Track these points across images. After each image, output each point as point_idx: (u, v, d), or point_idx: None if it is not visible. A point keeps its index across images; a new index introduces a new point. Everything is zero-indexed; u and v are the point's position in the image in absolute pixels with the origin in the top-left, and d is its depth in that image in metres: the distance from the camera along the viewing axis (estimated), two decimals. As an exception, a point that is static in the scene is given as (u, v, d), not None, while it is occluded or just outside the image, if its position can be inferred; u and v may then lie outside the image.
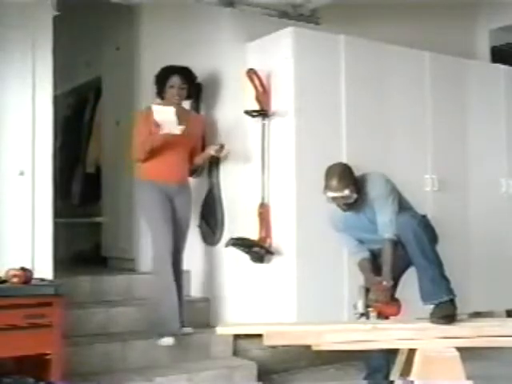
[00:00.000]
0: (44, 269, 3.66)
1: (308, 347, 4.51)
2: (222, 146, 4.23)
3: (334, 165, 3.59)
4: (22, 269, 3.38)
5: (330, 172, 3.52)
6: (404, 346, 2.97)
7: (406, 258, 3.44)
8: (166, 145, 4.02)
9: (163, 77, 4.20)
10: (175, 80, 4.18)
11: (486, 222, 5.06)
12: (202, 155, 4.30)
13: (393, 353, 3.39)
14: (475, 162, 5.12)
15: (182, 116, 4.04)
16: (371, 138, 4.54)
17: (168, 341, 3.88)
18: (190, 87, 4.27)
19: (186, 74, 4.23)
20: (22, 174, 3.73)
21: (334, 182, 3.45)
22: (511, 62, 5.52)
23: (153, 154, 4.04)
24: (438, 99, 4.92)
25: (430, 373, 2.73)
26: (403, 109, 4.75)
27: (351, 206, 3.52)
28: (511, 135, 5.31)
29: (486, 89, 5.21)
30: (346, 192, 3.45)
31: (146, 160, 4.06)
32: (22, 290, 3.29)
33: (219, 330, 3.25)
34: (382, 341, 2.85)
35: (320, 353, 4.54)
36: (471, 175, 5.09)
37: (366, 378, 3.71)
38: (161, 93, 4.22)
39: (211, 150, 4.24)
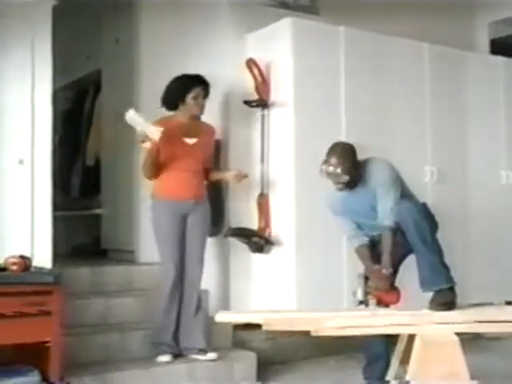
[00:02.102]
0: (43, 258, 3.67)
1: (308, 338, 4.53)
2: (246, 176, 4.13)
3: (340, 143, 3.61)
4: (21, 257, 3.37)
5: (333, 148, 3.52)
6: (403, 331, 2.97)
7: (405, 246, 3.44)
8: (179, 159, 3.87)
9: (184, 86, 3.92)
10: (199, 91, 3.93)
11: (486, 214, 5.06)
12: (218, 175, 4.22)
13: (392, 343, 3.40)
14: (475, 153, 5.13)
15: (195, 128, 3.97)
16: (370, 128, 4.55)
17: (165, 358, 3.86)
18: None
19: (207, 85, 3.99)
20: (21, 162, 3.73)
21: (333, 159, 3.46)
22: (511, 54, 5.51)
23: (164, 169, 3.89)
24: (437, 91, 4.94)
25: (429, 358, 2.72)
26: (402, 100, 4.77)
27: (349, 186, 3.50)
28: (510, 127, 5.32)
29: (485, 81, 5.23)
30: (338, 170, 3.43)
31: (154, 177, 3.92)
32: (21, 278, 3.28)
33: (218, 318, 3.24)
34: (382, 326, 2.84)
35: (320, 344, 4.59)
36: (471, 167, 5.11)
37: (365, 368, 3.70)
38: (177, 103, 3.95)
39: (230, 177, 4.14)
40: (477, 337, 5.11)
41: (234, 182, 4.20)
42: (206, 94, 4.00)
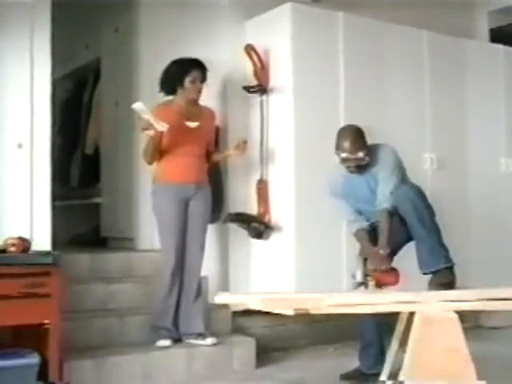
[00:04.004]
0: (42, 242, 3.65)
1: (307, 326, 4.55)
2: (245, 141, 4.11)
3: (348, 126, 3.61)
4: (20, 238, 3.37)
5: (344, 133, 3.51)
6: (403, 308, 2.96)
7: (403, 234, 3.45)
8: (181, 143, 3.87)
9: (182, 70, 3.93)
10: (197, 74, 3.93)
11: (486, 201, 5.07)
12: (220, 155, 4.22)
13: (390, 332, 3.39)
14: (474, 141, 5.13)
15: (196, 112, 3.98)
16: (370, 115, 4.53)
17: (164, 343, 3.86)
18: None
19: (205, 69, 3.97)
20: (20, 146, 3.72)
21: (347, 144, 3.45)
22: (510, 43, 5.51)
23: (166, 153, 3.90)
24: (436, 78, 4.94)
25: (428, 334, 2.72)
26: (402, 87, 4.76)
27: (361, 169, 3.51)
28: (510, 115, 5.32)
29: (484, 68, 5.23)
30: (360, 154, 3.45)
31: (154, 161, 3.93)
32: (20, 259, 3.28)
33: (217, 299, 3.22)
34: (382, 304, 2.83)
35: (319, 332, 4.59)
36: (470, 154, 5.11)
37: (360, 353, 3.71)
38: (175, 87, 3.96)
39: (232, 151, 4.13)
40: (477, 326, 5.13)
41: (238, 154, 4.15)
42: (203, 77, 4.00)
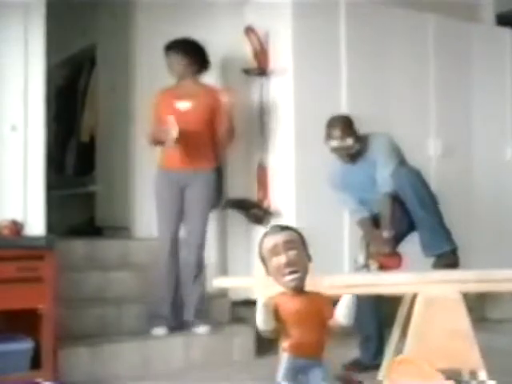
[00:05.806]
0: (36, 225, 3.56)
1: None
2: (228, 89, 4.04)
3: (336, 115, 3.58)
4: (13, 221, 3.30)
5: (332, 122, 3.49)
6: (405, 289, 2.87)
7: (407, 221, 3.39)
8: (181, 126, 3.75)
9: (165, 54, 3.99)
10: (170, 55, 3.97)
11: (491, 189, 5.01)
12: (224, 114, 3.90)
13: (389, 324, 3.31)
14: (480, 127, 5.05)
15: (189, 91, 3.92)
16: (372, 100, 4.49)
17: (160, 330, 3.80)
18: (195, 60, 3.94)
19: (183, 47, 3.91)
20: (13, 129, 3.65)
21: (336, 131, 3.43)
22: (517, 28, 5.44)
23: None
24: (441, 63, 4.87)
25: (432, 315, 2.63)
26: (406, 72, 4.70)
27: (353, 157, 3.45)
28: (517, 100, 5.25)
29: (491, 52, 5.16)
30: (349, 141, 3.42)
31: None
32: (12, 242, 3.21)
33: (215, 283, 3.15)
34: (383, 285, 2.76)
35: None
36: (476, 141, 5.03)
37: (360, 346, 3.64)
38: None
39: (225, 99, 3.89)
40: (482, 318, 5.05)
41: (231, 97, 3.90)
42: (180, 56, 3.92)
